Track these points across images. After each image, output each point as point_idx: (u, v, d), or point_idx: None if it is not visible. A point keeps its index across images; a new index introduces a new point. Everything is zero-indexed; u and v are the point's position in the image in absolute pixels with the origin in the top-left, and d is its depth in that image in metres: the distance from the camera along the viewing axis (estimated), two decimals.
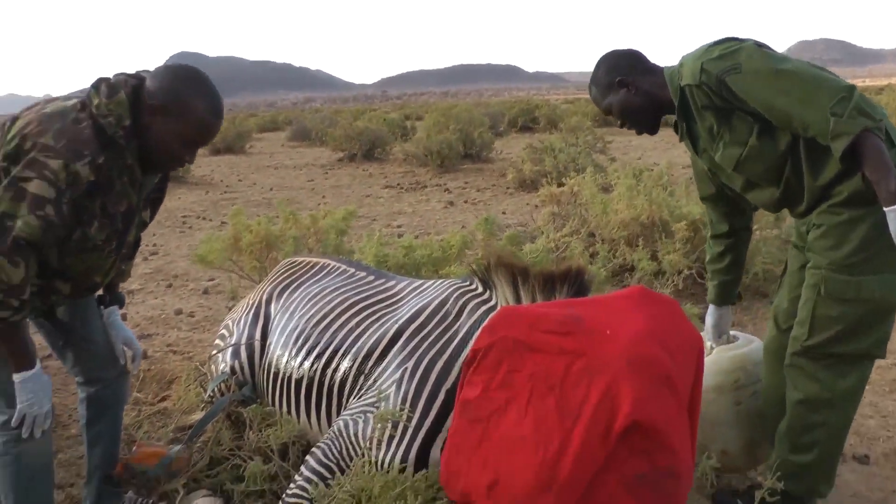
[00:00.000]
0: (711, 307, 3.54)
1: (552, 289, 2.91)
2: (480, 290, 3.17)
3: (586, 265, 3.16)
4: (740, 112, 2.90)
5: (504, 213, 11.41)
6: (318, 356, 3.37)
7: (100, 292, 3.20)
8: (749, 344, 3.51)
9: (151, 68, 2.83)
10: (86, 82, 3.08)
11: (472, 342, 2.92)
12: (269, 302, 3.86)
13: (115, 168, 2.67)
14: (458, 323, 3.09)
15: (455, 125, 17.95)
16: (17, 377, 2.74)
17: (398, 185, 15.63)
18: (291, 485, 3.03)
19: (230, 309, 6.97)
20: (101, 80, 2.68)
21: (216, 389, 3.76)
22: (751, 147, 2.91)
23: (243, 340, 3.77)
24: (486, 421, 2.42)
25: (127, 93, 2.64)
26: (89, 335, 3.17)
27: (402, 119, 27.90)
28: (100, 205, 2.68)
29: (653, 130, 3.22)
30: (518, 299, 2.99)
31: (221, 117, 2.79)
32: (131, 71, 2.81)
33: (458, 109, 20.52)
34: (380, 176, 17.45)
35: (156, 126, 2.67)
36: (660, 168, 8.41)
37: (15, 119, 2.64)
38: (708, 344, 3.48)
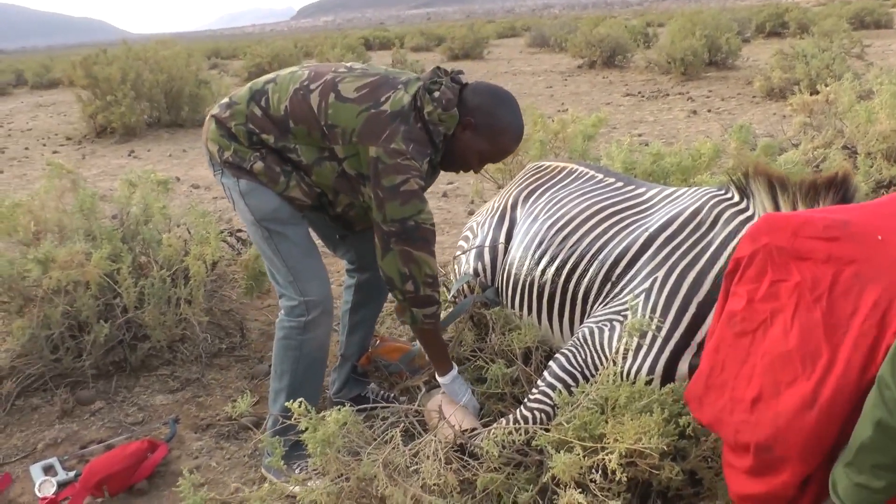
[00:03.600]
0: None
1: (815, 197, 2.66)
2: (737, 199, 2.97)
3: (851, 172, 2.86)
4: None
5: (750, 122, 10.83)
6: (564, 262, 3.30)
7: None
8: None
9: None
10: None
11: (726, 253, 2.79)
12: (514, 206, 3.81)
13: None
14: (713, 233, 2.92)
15: (701, 31, 17.16)
16: (444, 380, 3.13)
17: (639, 92, 15.20)
18: (534, 390, 3.02)
19: (469, 213, 7.07)
20: (435, 85, 2.93)
21: (460, 290, 3.79)
22: None
23: (487, 242, 3.76)
24: (753, 334, 2.29)
25: (455, 105, 2.92)
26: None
27: (644, 25, 27.03)
28: None
29: None
30: (777, 209, 2.78)
31: (520, 142, 3.11)
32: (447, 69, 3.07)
33: (705, 15, 19.54)
34: (620, 83, 17.03)
35: (464, 138, 2.98)
36: None
37: (336, 91, 2.88)
38: None
